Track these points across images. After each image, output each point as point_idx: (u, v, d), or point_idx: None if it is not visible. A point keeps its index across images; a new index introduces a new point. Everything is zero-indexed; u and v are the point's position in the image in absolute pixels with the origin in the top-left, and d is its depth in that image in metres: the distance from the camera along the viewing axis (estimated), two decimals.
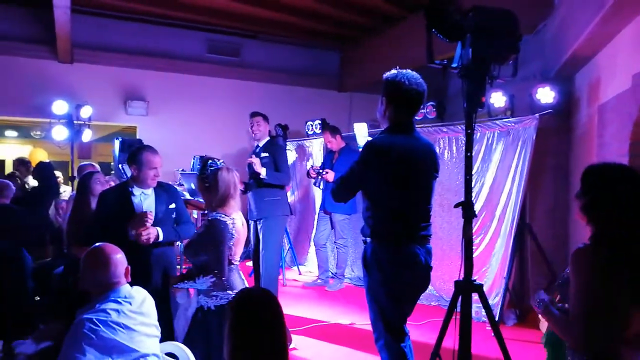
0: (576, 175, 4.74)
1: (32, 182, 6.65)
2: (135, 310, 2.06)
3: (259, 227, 4.52)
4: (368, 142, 2.48)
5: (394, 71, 2.47)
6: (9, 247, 4.02)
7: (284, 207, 4.59)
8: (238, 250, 2.65)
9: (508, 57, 2.28)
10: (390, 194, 2.40)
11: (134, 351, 1.97)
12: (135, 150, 3.07)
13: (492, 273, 4.64)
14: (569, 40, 4.38)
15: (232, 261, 2.59)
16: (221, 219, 2.51)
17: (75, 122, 6.64)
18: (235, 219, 2.61)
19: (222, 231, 2.47)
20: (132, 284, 2.21)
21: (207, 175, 2.59)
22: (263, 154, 4.52)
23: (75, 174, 5.97)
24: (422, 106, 2.57)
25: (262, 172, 4.34)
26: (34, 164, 7.15)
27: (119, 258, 2.15)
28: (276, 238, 4.54)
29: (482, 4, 2.19)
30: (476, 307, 4.03)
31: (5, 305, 3.79)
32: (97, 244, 2.18)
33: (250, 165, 4.50)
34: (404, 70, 2.46)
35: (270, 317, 1.53)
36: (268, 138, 4.66)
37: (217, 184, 2.56)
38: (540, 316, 1.92)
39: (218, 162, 2.64)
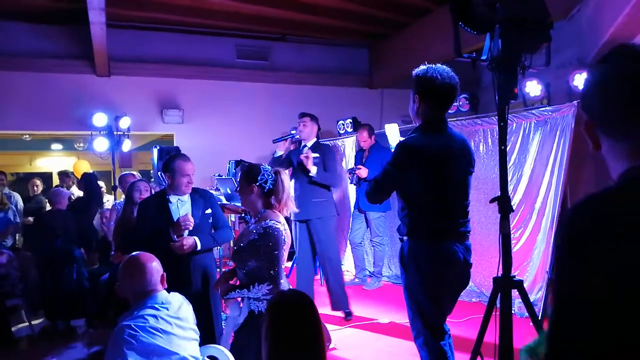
0: None
1: (76, 192, 6.93)
2: (173, 315, 2.10)
3: (310, 229, 4.45)
4: (400, 143, 2.44)
5: (423, 67, 2.40)
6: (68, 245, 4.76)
7: (333, 208, 4.57)
8: (286, 255, 2.61)
9: (539, 46, 2.22)
10: (425, 194, 2.37)
11: (173, 354, 2.02)
12: (168, 159, 3.15)
13: (534, 267, 4.51)
14: (605, 23, 4.22)
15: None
16: (275, 225, 2.43)
17: (115, 132, 6.91)
18: (284, 224, 2.53)
19: (278, 239, 2.42)
20: (172, 289, 2.25)
21: (266, 179, 2.50)
22: (312, 155, 4.33)
23: (117, 183, 6.20)
24: (455, 99, 2.51)
25: (313, 170, 4.19)
26: (76, 175, 7.48)
27: (154, 266, 2.17)
28: (335, 237, 4.63)
29: None
30: (519, 302, 3.94)
31: (65, 292, 4.49)
32: (132, 254, 2.21)
33: (300, 163, 4.29)
34: (434, 65, 2.39)
35: (306, 318, 1.54)
36: (315, 139, 4.51)
37: (277, 187, 2.51)
38: None
39: (267, 167, 2.58)
